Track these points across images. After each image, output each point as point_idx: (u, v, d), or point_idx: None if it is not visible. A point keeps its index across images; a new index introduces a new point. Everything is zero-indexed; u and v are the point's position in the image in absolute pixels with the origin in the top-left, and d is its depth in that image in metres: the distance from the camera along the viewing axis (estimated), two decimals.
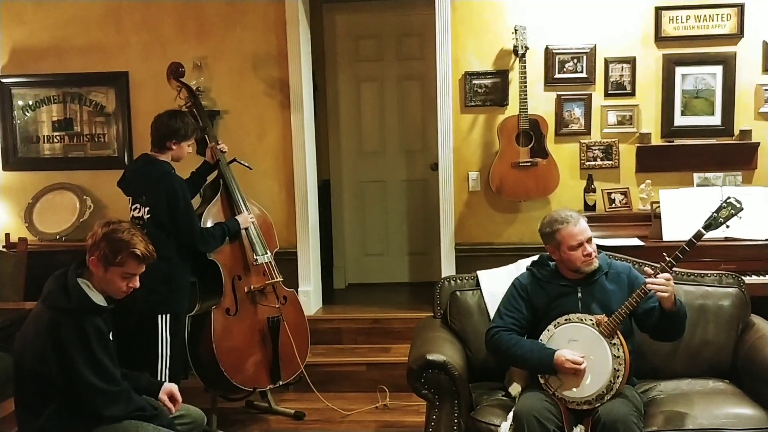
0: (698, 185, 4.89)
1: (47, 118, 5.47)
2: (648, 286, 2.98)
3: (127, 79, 5.33)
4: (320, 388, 4.52)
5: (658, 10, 4.93)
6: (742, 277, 3.66)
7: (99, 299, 2.80)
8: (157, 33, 5.27)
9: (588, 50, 5.00)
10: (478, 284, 3.72)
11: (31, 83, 5.42)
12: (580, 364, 3.00)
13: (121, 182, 4.07)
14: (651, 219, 4.62)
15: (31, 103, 5.44)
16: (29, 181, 5.42)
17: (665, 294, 2.98)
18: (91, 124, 5.44)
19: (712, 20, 4.92)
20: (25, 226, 5.28)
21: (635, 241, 4.49)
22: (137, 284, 2.87)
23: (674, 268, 3.05)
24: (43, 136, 5.47)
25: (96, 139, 5.43)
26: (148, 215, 3.85)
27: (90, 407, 2.73)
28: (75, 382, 2.70)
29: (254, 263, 4.20)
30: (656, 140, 5.02)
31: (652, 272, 3.01)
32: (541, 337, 3.17)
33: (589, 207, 4.96)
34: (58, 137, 5.46)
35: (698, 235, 2.99)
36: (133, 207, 3.94)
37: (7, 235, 5.21)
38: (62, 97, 5.43)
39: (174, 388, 3.08)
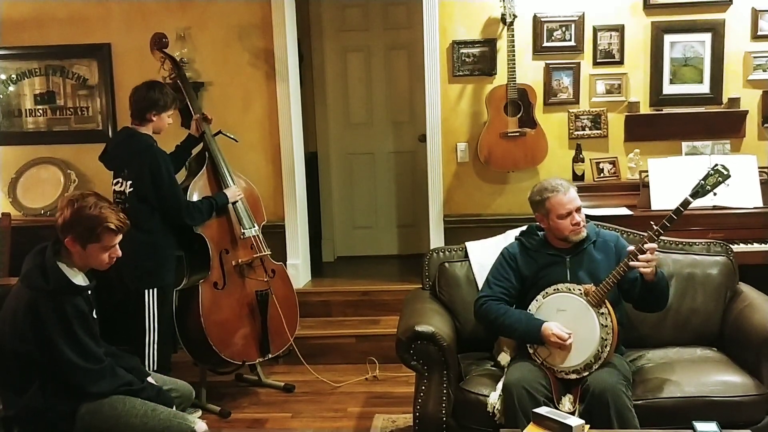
0: (687, 154, 4.88)
1: (29, 91, 5.38)
2: (631, 263, 2.98)
3: (109, 51, 5.25)
4: (310, 361, 4.53)
5: None
6: (730, 246, 3.66)
7: (78, 279, 2.77)
8: (140, 3, 5.17)
9: (576, 18, 4.95)
10: (466, 255, 3.71)
11: (12, 56, 5.33)
12: (565, 340, 3.00)
13: (103, 156, 4.03)
14: (639, 188, 4.61)
15: (12, 76, 5.36)
16: (12, 156, 5.35)
17: (647, 270, 2.99)
18: (74, 97, 5.36)
19: None
20: (8, 201, 5.22)
21: (624, 211, 4.49)
22: (119, 253, 2.84)
23: (662, 237, 3.04)
24: (26, 109, 5.39)
25: (79, 113, 5.36)
26: (131, 189, 3.81)
27: (74, 385, 2.71)
28: (57, 361, 2.68)
29: (241, 237, 4.17)
30: (645, 109, 5.00)
31: (635, 248, 2.99)
32: (530, 307, 3.18)
33: (577, 177, 4.95)
34: (41, 111, 5.38)
35: (685, 203, 2.98)
36: (115, 181, 3.90)
37: None
38: (44, 69, 5.34)
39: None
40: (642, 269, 2.99)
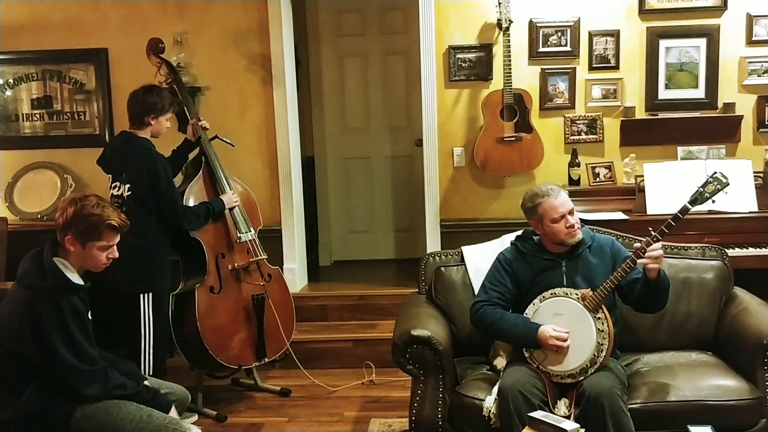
0: (682, 159, 4.90)
1: (26, 96, 5.40)
2: (639, 261, 2.97)
3: (106, 56, 5.26)
4: (306, 365, 4.52)
5: None
6: (726, 250, 3.68)
7: (75, 278, 2.78)
8: (137, 8, 5.19)
9: (572, 23, 4.97)
10: (462, 260, 3.71)
11: (9, 60, 5.34)
12: (564, 341, 3.00)
13: (101, 160, 4.03)
14: (635, 193, 4.63)
15: (9, 80, 5.36)
16: (9, 160, 5.35)
17: (655, 266, 2.99)
18: (71, 102, 5.37)
19: None
20: (5, 205, 5.22)
21: (619, 215, 4.49)
22: (116, 254, 2.86)
23: (658, 242, 3.04)
24: (23, 114, 5.40)
25: (76, 117, 5.37)
26: (129, 193, 3.81)
27: (69, 386, 2.72)
28: (52, 361, 2.69)
29: (238, 241, 4.17)
30: (640, 114, 5.02)
31: (642, 245, 2.98)
32: (527, 311, 3.18)
33: (573, 181, 4.96)
34: (38, 115, 5.39)
35: (684, 210, 2.98)
36: (113, 185, 3.90)
37: None
38: (41, 74, 5.35)
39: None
40: (650, 266, 2.98)
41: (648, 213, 4.44)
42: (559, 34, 4.99)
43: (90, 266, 2.83)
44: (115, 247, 2.85)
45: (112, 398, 2.77)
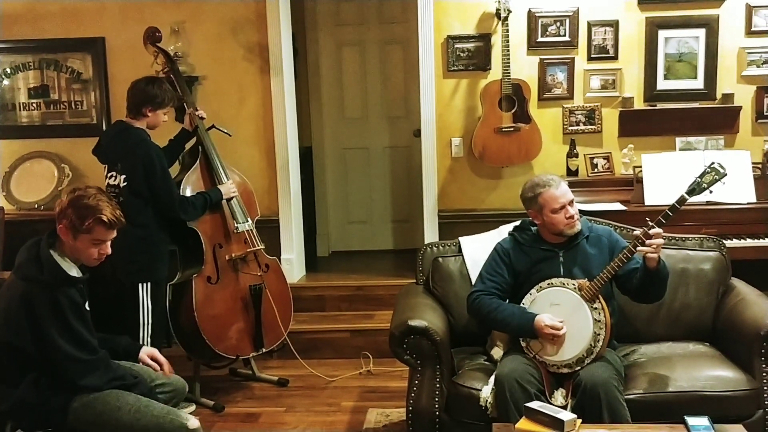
0: (680, 149, 4.89)
1: (23, 85, 5.37)
2: (638, 249, 2.96)
3: (103, 45, 5.24)
4: (304, 355, 4.53)
5: None
6: (723, 241, 3.68)
7: (72, 270, 2.76)
8: None
9: (571, 13, 4.95)
10: (460, 250, 3.71)
11: (6, 49, 5.31)
12: (559, 330, 3.00)
13: (96, 150, 4.02)
14: (633, 183, 4.62)
15: (6, 69, 5.34)
16: (6, 150, 5.34)
17: (653, 255, 2.98)
18: (68, 91, 5.36)
19: None
20: (2, 195, 5.21)
21: (617, 206, 4.49)
22: (108, 251, 2.82)
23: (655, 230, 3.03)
24: (20, 103, 5.38)
25: (73, 106, 5.35)
26: (125, 183, 3.81)
27: (66, 377, 2.71)
28: (51, 352, 2.68)
29: (235, 231, 4.17)
30: (639, 104, 5.01)
31: (639, 235, 2.98)
32: (524, 301, 3.18)
33: (571, 172, 4.95)
34: (35, 104, 5.37)
35: (681, 201, 2.98)
36: (109, 175, 3.90)
37: None
38: (38, 63, 5.33)
39: (155, 351, 3.09)
40: (649, 254, 2.97)
41: (646, 204, 4.44)
42: (558, 24, 4.97)
43: (82, 259, 2.80)
44: (108, 243, 2.80)
45: (109, 389, 2.77)
